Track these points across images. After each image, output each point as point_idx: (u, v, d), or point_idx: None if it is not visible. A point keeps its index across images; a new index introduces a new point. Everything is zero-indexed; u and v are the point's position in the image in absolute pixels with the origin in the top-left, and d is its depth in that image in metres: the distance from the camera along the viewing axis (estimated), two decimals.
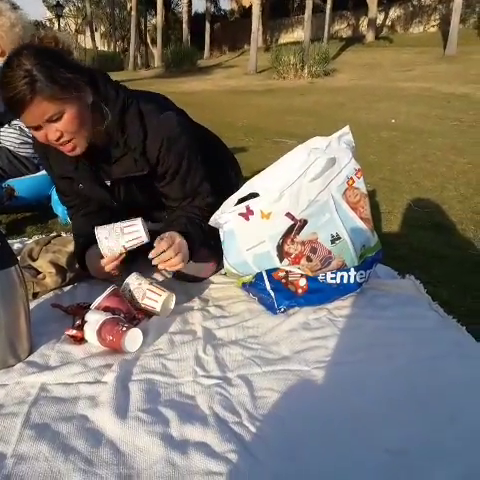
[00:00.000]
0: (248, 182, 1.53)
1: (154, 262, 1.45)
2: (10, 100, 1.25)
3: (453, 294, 1.71)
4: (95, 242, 1.49)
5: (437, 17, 24.05)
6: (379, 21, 25.02)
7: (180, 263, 1.47)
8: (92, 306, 1.38)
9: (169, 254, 1.44)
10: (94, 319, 1.30)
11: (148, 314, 1.47)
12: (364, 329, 1.42)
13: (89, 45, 33.56)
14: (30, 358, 1.26)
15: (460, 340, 1.37)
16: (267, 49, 22.14)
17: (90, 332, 1.29)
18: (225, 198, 1.73)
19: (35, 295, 1.57)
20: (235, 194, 1.53)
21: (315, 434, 1.02)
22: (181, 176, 1.57)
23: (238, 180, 1.83)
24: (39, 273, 1.60)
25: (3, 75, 1.25)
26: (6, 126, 2.20)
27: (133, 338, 1.29)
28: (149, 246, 1.46)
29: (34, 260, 1.63)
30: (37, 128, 1.31)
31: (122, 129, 1.44)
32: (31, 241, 1.93)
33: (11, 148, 2.24)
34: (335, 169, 1.45)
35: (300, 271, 1.52)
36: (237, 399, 1.12)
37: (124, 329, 1.27)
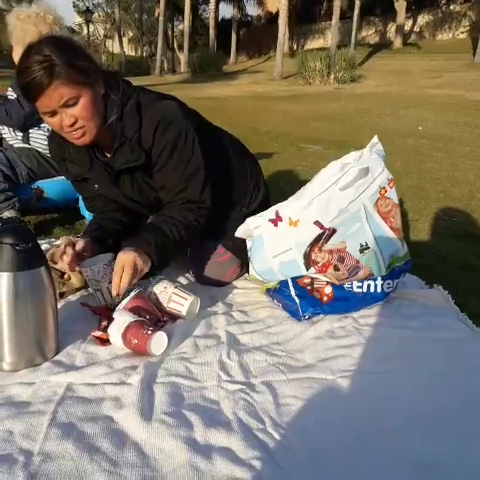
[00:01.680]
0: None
1: (114, 293, 1.41)
2: (28, 84, 1.28)
3: None
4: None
5: (467, 24, 23.72)
6: (407, 27, 24.82)
7: (129, 281, 1.39)
8: (119, 307, 1.39)
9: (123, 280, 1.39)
10: (121, 320, 1.31)
11: (173, 317, 1.48)
12: (390, 339, 1.40)
13: (117, 50, 34.11)
14: (57, 357, 1.27)
15: None
16: (293, 55, 22.13)
17: (115, 334, 1.30)
18: (237, 205, 1.73)
19: (62, 295, 1.59)
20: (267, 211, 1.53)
21: (340, 445, 1.01)
22: (174, 160, 1.49)
23: (257, 186, 1.81)
24: (64, 274, 1.62)
25: (21, 61, 1.29)
26: (35, 128, 2.25)
27: (158, 341, 1.29)
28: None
29: (56, 263, 1.65)
30: (53, 114, 1.34)
31: (120, 119, 1.45)
32: (54, 244, 1.95)
33: (40, 150, 2.28)
34: (368, 179, 1.44)
35: (326, 278, 1.51)
36: (261, 406, 1.11)
37: (149, 332, 1.27)
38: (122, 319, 1.31)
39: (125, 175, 1.56)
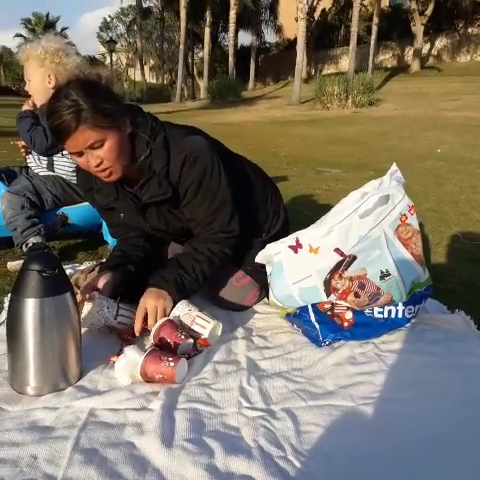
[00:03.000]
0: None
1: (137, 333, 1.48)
2: (56, 128, 1.36)
3: None
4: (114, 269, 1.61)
5: None
6: (425, 51, 24.93)
7: (153, 323, 1.46)
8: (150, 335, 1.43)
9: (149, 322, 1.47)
10: (131, 358, 1.29)
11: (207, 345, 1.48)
12: (412, 365, 1.39)
13: (138, 78, 34.92)
14: (80, 383, 1.29)
15: None
16: (309, 80, 22.39)
17: (123, 370, 1.29)
18: (258, 231, 1.75)
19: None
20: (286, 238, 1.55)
21: (361, 473, 1.00)
22: (201, 196, 1.54)
23: (277, 212, 1.84)
24: None
25: (51, 105, 1.36)
26: (59, 155, 2.31)
27: (181, 370, 1.30)
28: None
29: (80, 288, 1.69)
30: (79, 154, 1.41)
31: (148, 155, 1.49)
32: (78, 270, 1.99)
33: (64, 176, 2.34)
34: (389, 206, 1.46)
35: (347, 304, 1.51)
36: (281, 433, 1.11)
37: (172, 364, 1.27)
38: (132, 356, 1.29)
39: (152, 207, 1.60)
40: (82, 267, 2.11)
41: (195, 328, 1.49)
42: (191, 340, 1.42)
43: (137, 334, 1.47)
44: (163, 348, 1.36)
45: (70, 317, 1.25)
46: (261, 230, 1.78)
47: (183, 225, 1.65)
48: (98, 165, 1.41)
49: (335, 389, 1.28)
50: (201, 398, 1.24)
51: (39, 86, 2.25)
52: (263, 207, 1.79)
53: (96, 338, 1.51)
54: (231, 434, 1.11)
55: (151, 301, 1.47)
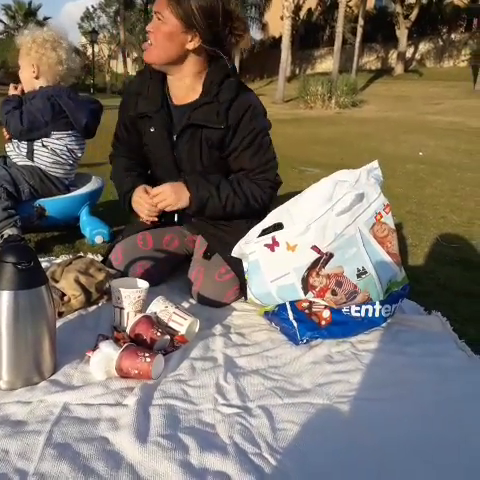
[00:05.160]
0: (273, 212, 1.54)
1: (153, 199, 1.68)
2: None
3: None
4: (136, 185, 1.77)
5: (467, 52, 24.12)
6: (409, 54, 25.23)
7: (168, 203, 1.66)
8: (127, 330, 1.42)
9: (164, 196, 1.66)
10: (106, 352, 1.27)
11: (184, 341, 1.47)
12: (388, 365, 1.40)
13: (121, 70, 34.53)
14: (54, 377, 1.27)
15: None
16: (294, 79, 22.44)
17: (98, 365, 1.26)
18: (250, 221, 1.76)
19: (60, 314, 1.60)
20: (259, 224, 1.54)
21: (337, 471, 1.00)
22: (255, 147, 1.67)
23: (268, 209, 1.84)
24: (64, 295, 1.62)
25: None
26: (40, 145, 2.27)
27: (158, 365, 1.29)
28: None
29: (56, 282, 1.66)
30: (155, 13, 1.58)
31: (219, 84, 1.63)
32: (54, 263, 1.96)
33: (43, 167, 2.30)
34: (363, 204, 1.46)
35: (324, 302, 1.51)
36: (257, 430, 1.11)
37: (148, 360, 1.26)
38: (107, 351, 1.27)
39: (188, 132, 1.68)
40: (58, 260, 2.08)
41: (172, 325, 1.48)
42: (168, 337, 1.41)
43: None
44: (139, 344, 1.35)
45: (45, 310, 1.22)
46: (253, 222, 1.77)
47: (203, 164, 1.72)
48: (148, 32, 1.58)
49: (312, 387, 1.29)
50: (177, 394, 1.23)
51: (24, 73, 2.27)
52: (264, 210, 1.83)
53: (72, 332, 1.49)
54: (206, 430, 1.11)
55: (172, 194, 1.64)
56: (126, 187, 1.81)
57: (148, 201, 1.71)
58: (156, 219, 1.77)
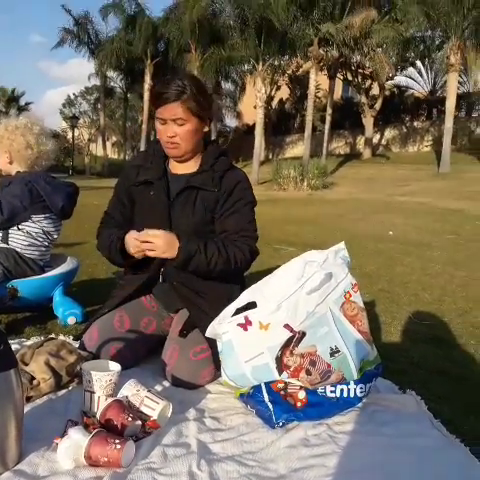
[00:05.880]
0: (245, 292, 1.57)
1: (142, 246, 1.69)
2: (160, 95, 1.71)
3: (455, 412, 1.67)
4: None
5: (430, 138, 25.74)
6: (375, 140, 26.73)
7: (155, 249, 1.67)
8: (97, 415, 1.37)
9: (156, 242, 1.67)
10: (75, 439, 1.22)
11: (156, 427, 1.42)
12: (365, 447, 1.38)
13: (100, 153, 35.48)
14: (18, 466, 1.21)
15: (463, 461, 1.32)
16: (267, 162, 23.36)
17: (66, 453, 1.21)
18: (229, 296, 1.77)
19: (28, 399, 1.54)
20: (233, 303, 1.55)
21: None
22: (242, 214, 1.82)
23: (243, 284, 1.90)
24: (34, 379, 1.58)
25: (165, 80, 1.75)
26: (15, 229, 2.29)
27: (128, 452, 1.24)
28: None
29: (26, 365, 1.62)
30: (163, 122, 1.74)
31: (214, 159, 1.84)
32: (25, 345, 1.92)
33: (18, 249, 2.31)
34: (332, 283, 1.50)
35: (299, 383, 1.50)
36: None
37: (118, 447, 1.21)
38: (76, 438, 1.23)
39: (185, 194, 1.82)
40: (29, 342, 2.03)
41: (144, 409, 1.44)
42: (139, 422, 1.36)
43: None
44: (110, 430, 1.30)
45: (12, 396, 1.18)
46: (231, 298, 1.78)
47: (197, 225, 1.82)
48: (171, 137, 1.74)
49: (287, 472, 1.25)
50: None
51: (0, 160, 2.35)
52: (240, 275, 1.94)
53: (40, 418, 1.44)
54: None
55: (163, 243, 1.67)
56: (118, 235, 1.82)
57: (136, 243, 1.71)
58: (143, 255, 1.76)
